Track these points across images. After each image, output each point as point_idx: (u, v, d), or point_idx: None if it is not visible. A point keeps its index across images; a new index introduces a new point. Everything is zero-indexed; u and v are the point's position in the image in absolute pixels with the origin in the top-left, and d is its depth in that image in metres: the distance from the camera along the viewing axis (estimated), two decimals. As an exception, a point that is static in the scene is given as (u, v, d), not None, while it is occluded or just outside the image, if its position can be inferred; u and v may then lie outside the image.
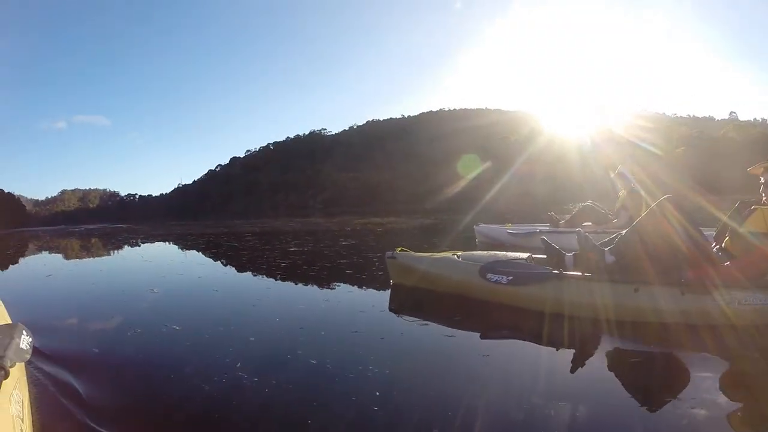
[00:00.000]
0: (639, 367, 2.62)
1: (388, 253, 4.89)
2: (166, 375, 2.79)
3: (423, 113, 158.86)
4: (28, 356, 1.78)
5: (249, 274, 7.47)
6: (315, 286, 5.68)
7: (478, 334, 3.25)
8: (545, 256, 3.92)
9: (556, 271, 3.47)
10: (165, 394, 2.48)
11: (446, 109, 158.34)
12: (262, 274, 6.96)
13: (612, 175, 6.25)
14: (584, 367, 2.61)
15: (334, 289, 5.46)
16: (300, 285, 5.99)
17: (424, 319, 3.72)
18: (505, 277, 3.65)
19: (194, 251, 12.34)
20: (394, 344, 3.19)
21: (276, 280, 6.39)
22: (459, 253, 4.46)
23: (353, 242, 11.53)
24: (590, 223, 7.13)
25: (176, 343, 3.41)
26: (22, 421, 1.62)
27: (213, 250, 11.58)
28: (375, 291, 5.13)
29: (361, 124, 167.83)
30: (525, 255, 4.02)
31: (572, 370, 2.53)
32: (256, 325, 3.93)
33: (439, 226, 16.84)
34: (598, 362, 2.67)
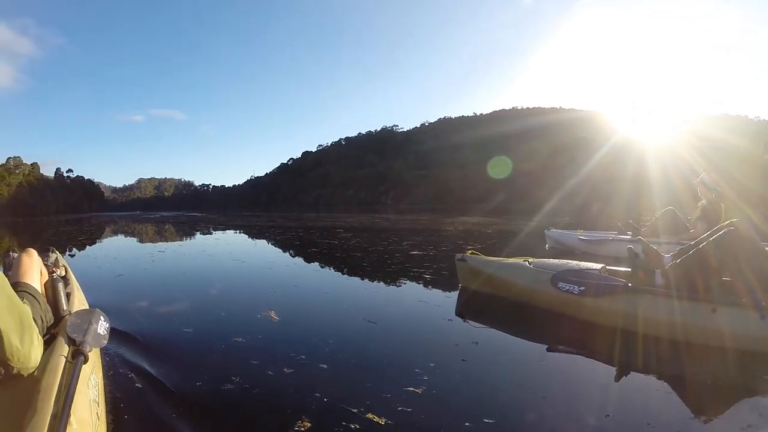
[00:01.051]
0: (716, 400, 2.35)
1: (458, 256, 4.92)
2: (238, 359, 2.92)
3: (495, 111, 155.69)
4: (105, 341, 1.81)
5: (328, 269, 7.63)
6: (386, 283, 5.81)
7: (545, 346, 3.16)
8: (619, 268, 3.80)
9: (630, 284, 3.34)
10: (235, 379, 2.57)
11: (519, 107, 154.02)
12: (335, 267, 7.27)
13: (693, 182, 5.92)
14: (654, 393, 2.43)
15: (402, 287, 5.56)
16: (372, 281, 6.10)
17: (491, 325, 3.72)
18: (576, 287, 3.57)
19: (266, 240, 12.93)
20: (458, 348, 3.20)
21: (349, 276, 6.63)
22: (530, 260, 4.40)
23: (423, 240, 11.56)
24: (668, 235, 6.81)
25: (249, 330, 3.59)
26: (98, 405, 1.67)
27: (299, 245, 11.62)
28: (442, 292, 5.16)
29: (432, 121, 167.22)
30: (598, 266, 3.90)
31: (641, 396, 2.39)
32: (327, 316, 4.11)
33: (510, 227, 16.49)
34: (669, 389, 2.44)
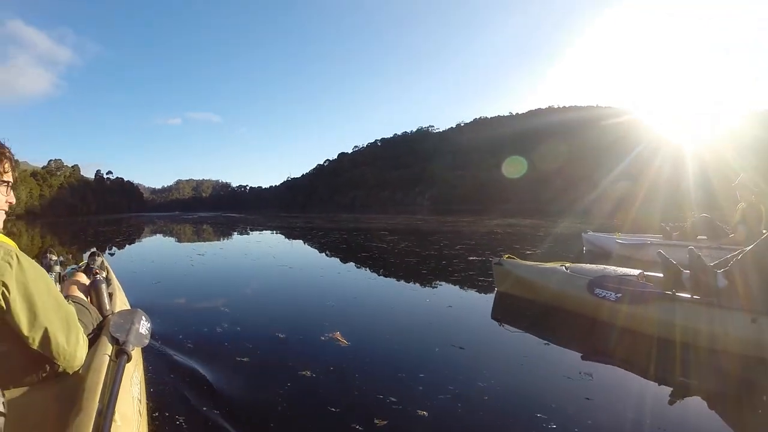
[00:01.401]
0: (756, 416, 2.29)
1: (495, 260, 4.97)
2: (275, 361, 3.04)
3: (531, 110, 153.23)
4: (147, 341, 1.84)
5: (386, 277, 7.67)
6: (422, 285, 5.88)
7: (581, 354, 3.13)
8: (658, 274, 3.73)
9: (668, 292, 3.29)
10: (272, 380, 2.67)
11: (555, 106, 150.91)
12: (393, 275, 7.17)
13: (733, 185, 5.76)
14: (692, 406, 2.39)
15: (438, 288, 5.62)
16: (408, 282, 6.17)
17: (527, 330, 3.73)
18: (613, 293, 3.55)
19: (310, 243, 12.86)
20: (493, 353, 3.24)
21: (412, 284, 6.54)
22: (567, 265, 4.40)
23: (476, 244, 11.49)
24: (705, 237, 6.65)
25: (281, 331, 3.73)
26: (140, 402, 1.69)
27: (347, 249, 11.22)
28: (478, 295, 5.18)
29: (468, 121, 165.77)
30: (636, 271, 3.85)
31: (678, 408, 2.34)
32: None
33: (546, 229, 16.29)
34: (707, 402, 2.40)
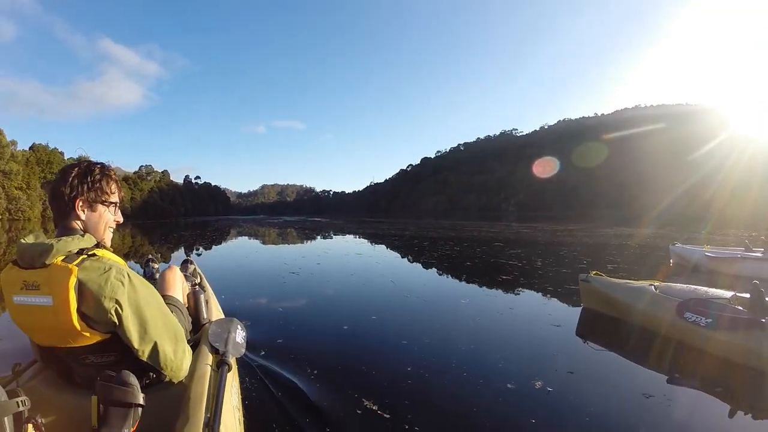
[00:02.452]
0: None
1: (582, 276, 4.95)
2: (364, 369, 3.17)
3: (618, 111, 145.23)
4: (243, 350, 1.86)
5: (457, 281, 7.70)
6: (508, 295, 5.93)
7: (666, 377, 3.08)
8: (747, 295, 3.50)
9: (762, 320, 3.13)
10: (363, 388, 2.78)
11: (642, 105, 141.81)
12: (463, 278, 7.32)
13: None
14: None
15: (525, 301, 5.66)
16: (494, 291, 6.16)
17: (611, 349, 3.71)
18: (703, 318, 3.45)
19: (420, 256, 12.40)
20: (575, 369, 3.25)
21: (469, 283, 6.81)
22: (656, 284, 4.32)
23: (547, 251, 11.32)
24: None
25: (360, 338, 3.96)
26: (239, 411, 1.73)
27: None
28: (565, 309, 5.18)
29: (552, 123, 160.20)
30: (729, 293, 3.68)
31: None
32: (448, 329, 4.29)
33: (637, 239, 15.47)
34: None
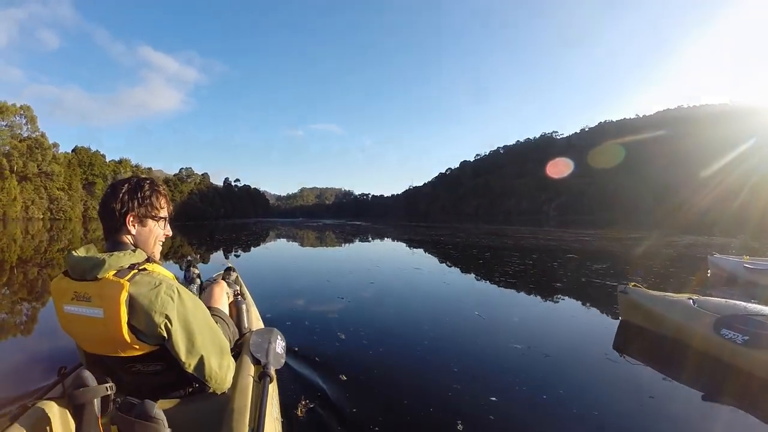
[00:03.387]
0: None
1: (620, 287, 4.93)
2: (403, 380, 3.19)
3: (660, 111, 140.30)
4: (283, 360, 1.87)
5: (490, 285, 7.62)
6: (547, 303, 5.97)
7: (702, 394, 3.06)
8: None
9: None
10: (399, 400, 2.81)
11: (685, 106, 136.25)
12: (499, 285, 7.20)
13: None
14: None
15: (562, 310, 5.67)
16: (531, 298, 6.17)
17: (647, 364, 3.68)
18: (740, 335, 3.39)
19: (477, 268, 11.88)
20: (610, 382, 3.28)
21: (507, 289, 6.80)
22: (695, 298, 4.27)
23: (588, 259, 11.09)
24: None
25: (403, 347, 3.96)
26: (279, 422, 1.76)
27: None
28: (603, 321, 5.15)
29: (593, 125, 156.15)
30: None
31: None
32: (484, 341, 4.25)
33: (678, 246, 15.11)
34: None
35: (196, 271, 2.88)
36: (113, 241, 1.48)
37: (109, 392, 1.28)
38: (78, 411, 1.24)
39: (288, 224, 41.97)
